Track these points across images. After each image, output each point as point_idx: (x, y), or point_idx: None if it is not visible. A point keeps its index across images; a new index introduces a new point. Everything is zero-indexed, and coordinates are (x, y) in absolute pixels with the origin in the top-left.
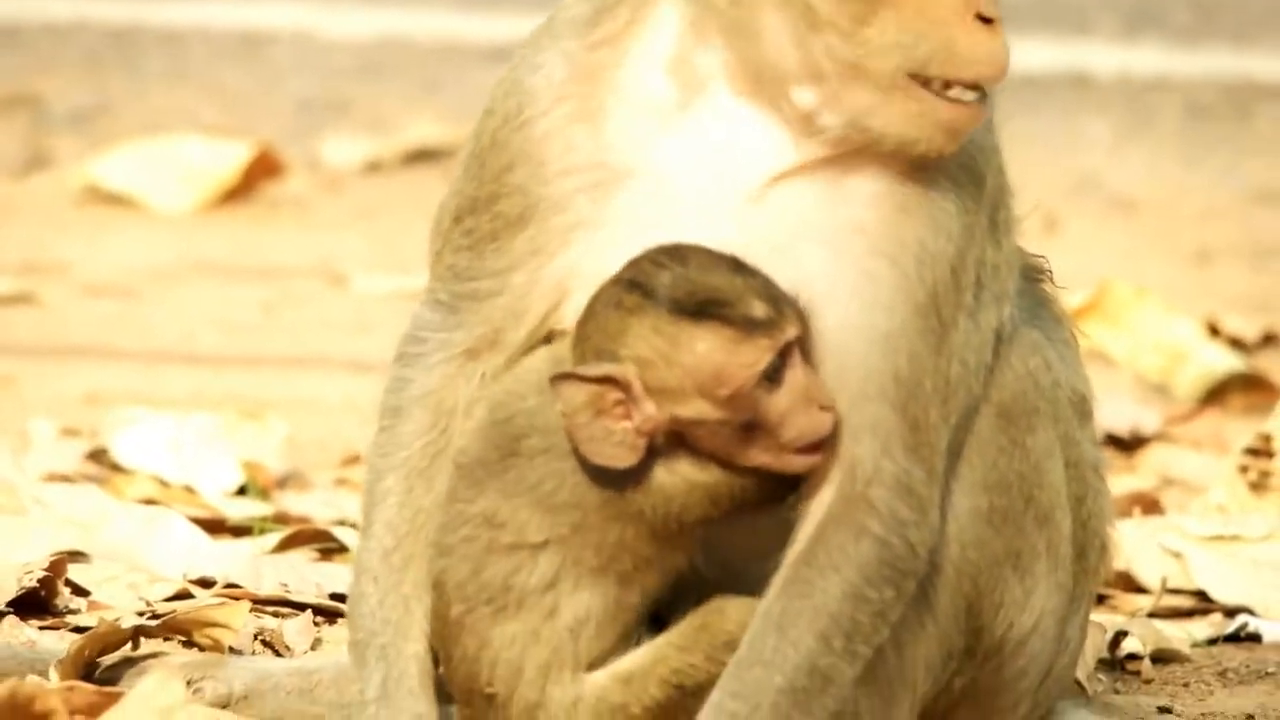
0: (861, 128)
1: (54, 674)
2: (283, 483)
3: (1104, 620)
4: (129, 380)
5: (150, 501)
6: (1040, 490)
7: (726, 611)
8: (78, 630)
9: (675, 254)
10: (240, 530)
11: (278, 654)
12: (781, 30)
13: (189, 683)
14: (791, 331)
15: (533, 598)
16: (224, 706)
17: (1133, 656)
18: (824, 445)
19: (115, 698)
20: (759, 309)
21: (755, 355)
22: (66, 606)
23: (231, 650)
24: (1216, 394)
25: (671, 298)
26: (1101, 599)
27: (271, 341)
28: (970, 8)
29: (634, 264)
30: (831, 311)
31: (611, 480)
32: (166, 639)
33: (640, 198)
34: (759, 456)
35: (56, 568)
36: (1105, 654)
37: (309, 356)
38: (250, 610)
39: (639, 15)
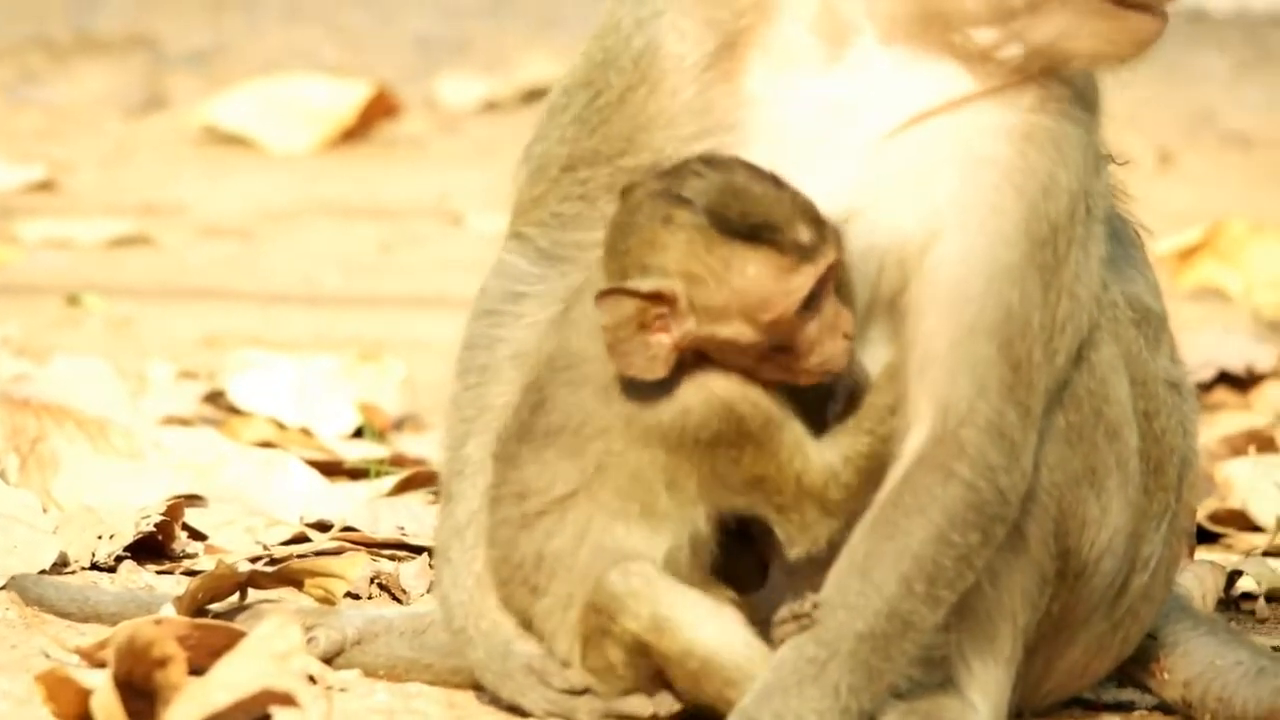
0: (1049, 54)
1: (170, 609)
2: (399, 425)
3: (1218, 559)
4: (246, 322)
5: (267, 444)
6: (1107, 405)
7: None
8: (194, 574)
9: (717, 166)
10: (357, 473)
11: (395, 598)
12: None
13: (305, 629)
14: (832, 256)
15: (565, 561)
16: (338, 653)
17: (1248, 596)
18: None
19: (232, 638)
20: (806, 234)
21: (801, 282)
22: (184, 551)
23: (348, 595)
24: None
25: (724, 218)
26: (1216, 537)
27: (389, 281)
28: None
29: (674, 176)
30: (956, 242)
31: (635, 395)
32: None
33: (773, 149)
34: (775, 374)
35: (173, 512)
36: (1220, 594)
37: (426, 296)
38: (367, 553)
39: None
